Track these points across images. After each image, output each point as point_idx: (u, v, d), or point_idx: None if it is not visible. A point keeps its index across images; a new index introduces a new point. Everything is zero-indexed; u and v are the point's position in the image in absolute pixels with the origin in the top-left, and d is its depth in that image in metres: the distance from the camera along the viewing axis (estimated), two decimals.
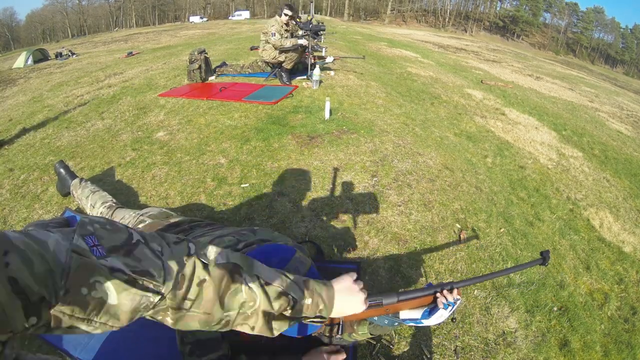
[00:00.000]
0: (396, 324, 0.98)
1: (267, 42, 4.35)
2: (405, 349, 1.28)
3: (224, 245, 1.04)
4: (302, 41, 4.27)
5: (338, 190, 2.19)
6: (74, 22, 54.48)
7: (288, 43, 4.22)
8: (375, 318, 0.96)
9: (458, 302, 0.89)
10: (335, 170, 2.39)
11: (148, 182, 2.28)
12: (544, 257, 0.94)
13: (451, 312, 0.90)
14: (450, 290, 0.89)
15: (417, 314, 0.94)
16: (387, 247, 1.79)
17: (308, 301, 0.70)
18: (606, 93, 13.10)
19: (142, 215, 1.53)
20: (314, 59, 4.69)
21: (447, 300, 0.88)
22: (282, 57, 4.33)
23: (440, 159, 2.85)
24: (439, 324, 1.01)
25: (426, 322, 0.94)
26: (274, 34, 4.20)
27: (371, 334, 1.10)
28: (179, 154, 2.58)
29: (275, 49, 4.27)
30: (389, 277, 1.58)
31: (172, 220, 1.43)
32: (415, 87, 6.15)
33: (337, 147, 2.67)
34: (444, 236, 1.96)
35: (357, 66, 6.09)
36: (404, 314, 0.95)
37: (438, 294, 0.89)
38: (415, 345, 1.30)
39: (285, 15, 4.25)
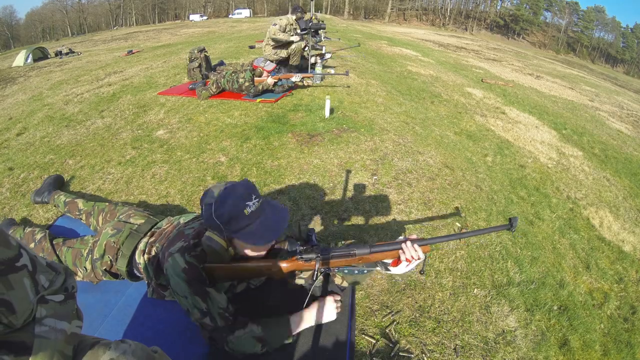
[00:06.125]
0: (365, 272, 1.16)
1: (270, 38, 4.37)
2: (405, 348, 1.28)
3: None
4: (295, 38, 4.27)
5: (338, 189, 2.19)
6: (74, 21, 54.34)
7: (281, 36, 4.22)
8: (346, 270, 1.17)
9: (422, 259, 1.05)
10: (336, 168, 2.39)
11: (148, 180, 2.28)
12: (511, 224, 1.01)
13: (414, 266, 1.08)
14: (412, 243, 1.04)
15: (388, 261, 1.14)
16: None
17: None
18: (606, 92, 13.08)
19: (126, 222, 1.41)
20: (315, 58, 4.69)
21: (409, 253, 1.03)
22: (283, 53, 4.32)
23: (440, 158, 2.84)
24: (405, 273, 1.18)
25: (393, 270, 1.12)
26: (275, 23, 4.22)
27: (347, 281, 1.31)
28: (179, 153, 2.58)
29: (270, 38, 4.28)
30: (389, 276, 1.58)
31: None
32: (416, 86, 6.14)
33: (337, 145, 2.67)
34: (443, 235, 1.95)
35: (357, 65, 6.08)
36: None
37: (402, 246, 1.04)
38: (415, 344, 1.30)
39: (298, 14, 4.28)
